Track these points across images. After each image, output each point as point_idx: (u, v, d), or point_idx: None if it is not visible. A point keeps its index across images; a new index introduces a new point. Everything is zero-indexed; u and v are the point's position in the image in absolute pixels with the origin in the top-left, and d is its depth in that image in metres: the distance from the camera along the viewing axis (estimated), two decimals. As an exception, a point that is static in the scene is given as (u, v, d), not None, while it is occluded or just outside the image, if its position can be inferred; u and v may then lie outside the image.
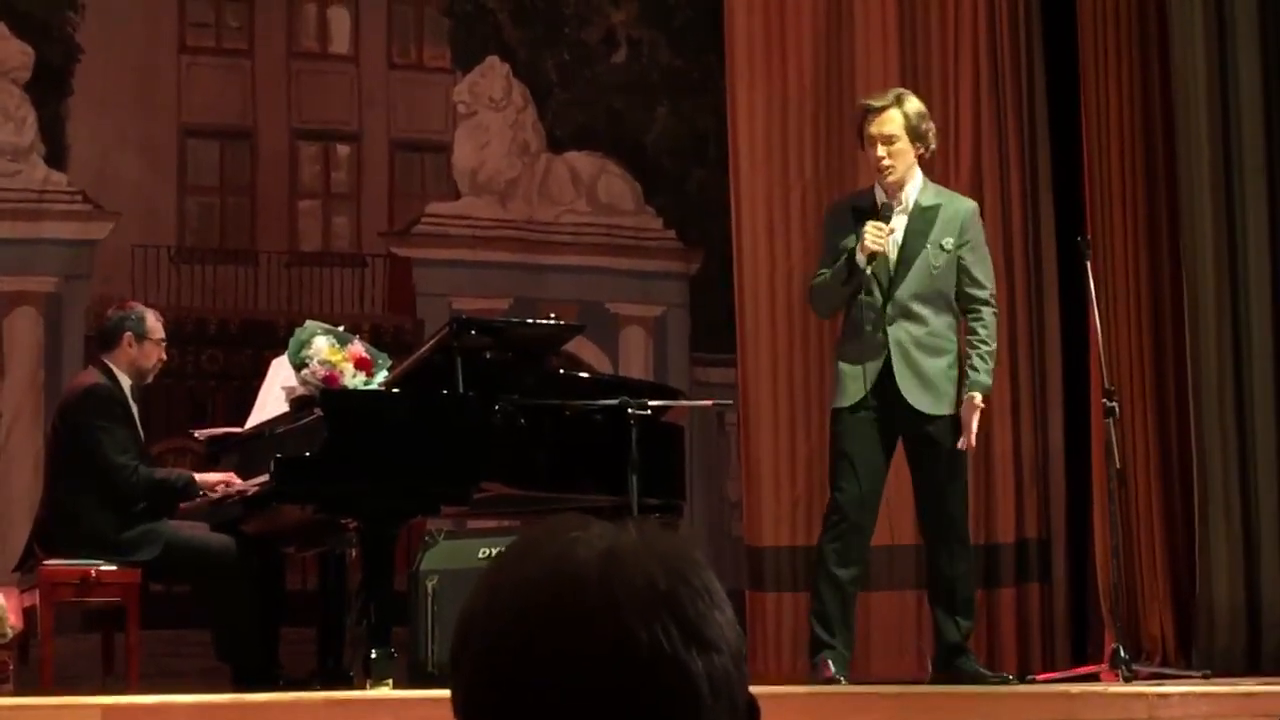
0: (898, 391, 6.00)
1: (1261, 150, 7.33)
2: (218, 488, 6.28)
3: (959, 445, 6.04)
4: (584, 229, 9.26)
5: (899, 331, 6.03)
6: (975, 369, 6.06)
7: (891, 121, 6.07)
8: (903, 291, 6.05)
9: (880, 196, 6.15)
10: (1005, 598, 8.13)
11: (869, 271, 5.97)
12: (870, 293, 6.03)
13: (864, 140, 6.15)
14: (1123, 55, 7.83)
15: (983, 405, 6.11)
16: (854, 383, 6.02)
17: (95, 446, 6.23)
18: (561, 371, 6.60)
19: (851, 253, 5.98)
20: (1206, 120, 7.37)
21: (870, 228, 5.93)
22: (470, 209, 9.11)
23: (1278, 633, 7.10)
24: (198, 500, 6.46)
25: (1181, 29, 7.45)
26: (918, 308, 6.06)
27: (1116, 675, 6.23)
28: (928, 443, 6.07)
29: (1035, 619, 8.14)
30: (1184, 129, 7.45)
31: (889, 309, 6.03)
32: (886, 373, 6.00)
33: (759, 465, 8.33)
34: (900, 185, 6.12)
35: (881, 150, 6.05)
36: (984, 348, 6.10)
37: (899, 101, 6.14)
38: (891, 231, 6.02)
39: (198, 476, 6.37)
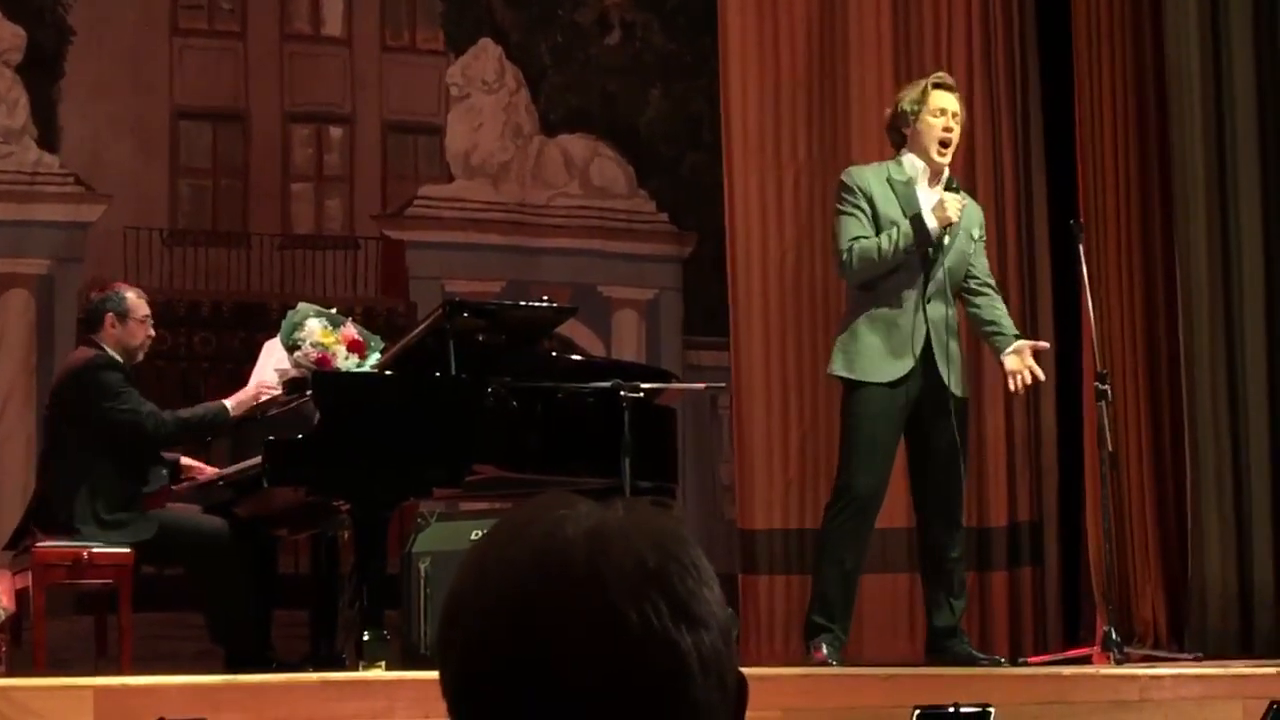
0: (934, 370, 6.04)
1: (1254, 133, 7.32)
2: (256, 404, 6.26)
3: (1015, 388, 6.18)
4: (577, 212, 9.24)
5: (935, 311, 6.09)
6: (1010, 327, 6.26)
7: (959, 104, 6.26)
8: (941, 272, 6.11)
9: (910, 169, 6.16)
10: (997, 581, 8.14)
11: (947, 241, 6.08)
12: (911, 269, 6.07)
13: (923, 107, 6.17)
14: (1116, 36, 7.83)
15: (1045, 346, 6.41)
16: (892, 360, 6.06)
17: (115, 408, 6.17)
18: (554, 354, 6.59)
19: (917, 218, 6.04)
20: (1200, 102, 7.36)
21: (950, 198, 6.07)
22: (463, 192, 9.10)
23: (1270, 614, 7.11)
24: (186, 484, 6.45)
25: (1175, 11, 7.44)
26: (949, 289, 6.14)
27: (1108, 658, 6.24)
28: (945, 422, 6.08)
29: (1027, 602, 8.15)
30: (1177, 112, 7.44)
31: (929, 287, 6.09)
32: (925, 351, 6.05)
33: (751, 448, 8.32)
34: (944, 166, 6.22)
35: (953, 123, 6.18)
36: (1009, 320, 6.30)
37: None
38: (964, 206, 6.13)
39: (227, 402, 6.35)
